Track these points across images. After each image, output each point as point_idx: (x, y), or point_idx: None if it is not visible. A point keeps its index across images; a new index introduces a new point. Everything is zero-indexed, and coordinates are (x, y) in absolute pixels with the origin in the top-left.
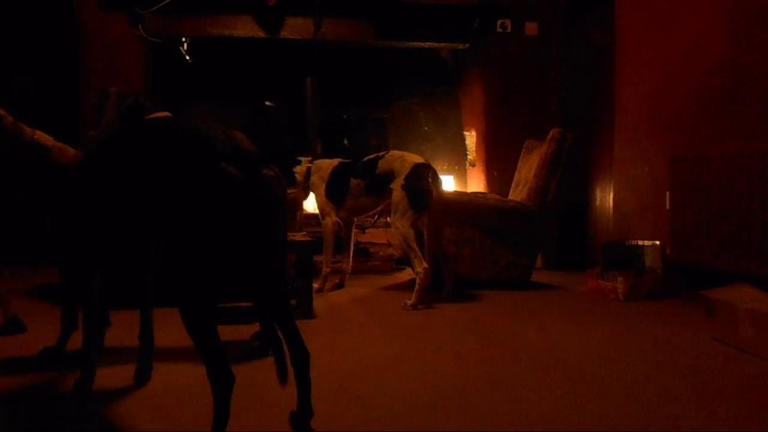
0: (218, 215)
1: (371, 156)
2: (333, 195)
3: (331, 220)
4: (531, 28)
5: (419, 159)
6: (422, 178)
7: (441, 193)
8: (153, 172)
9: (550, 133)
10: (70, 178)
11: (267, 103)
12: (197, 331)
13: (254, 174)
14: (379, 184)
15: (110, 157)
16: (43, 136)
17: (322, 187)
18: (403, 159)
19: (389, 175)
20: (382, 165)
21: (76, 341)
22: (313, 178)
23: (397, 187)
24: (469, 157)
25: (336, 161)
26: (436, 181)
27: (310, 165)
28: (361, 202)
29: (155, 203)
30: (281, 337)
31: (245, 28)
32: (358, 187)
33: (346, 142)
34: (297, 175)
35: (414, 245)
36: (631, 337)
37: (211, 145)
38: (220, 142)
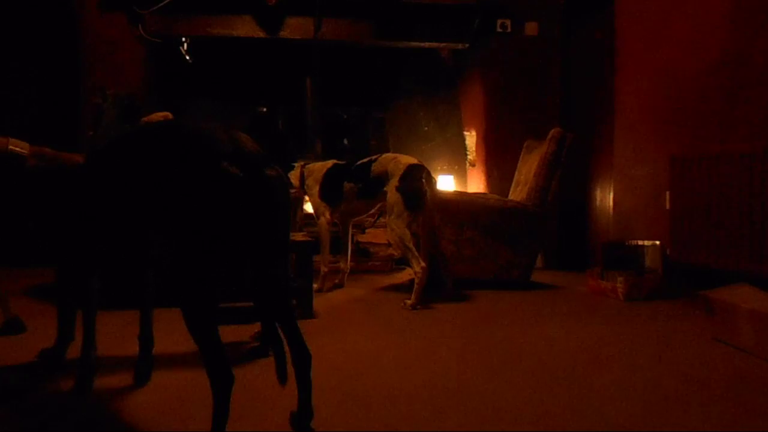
0: (221, 215)
1: (364, 160)
2: (327, 196)
3: (325, 219)
4: (531, 28)
5: (413, 160)
6: (416, 179)
7: (435, 193)
8: (156, 172)
9: (550, 133)
10: (50, 180)
11: (261, 109)
12: (199, 331)
13: (256, 174)
14: (373, 187)
15: (114, 159)
16: (18, 144)
17: (316, 189)
18: (396, 160)
19: (383, 178)
20: (376, 168)
21: (75, 342)
22: (308, 181)
23: (391, 189)
24: (469, 157)
25: (330, 163)
26: (430, 181)
27: (303, 169)
28: (356, 206)
29: (158, 204)
30: (282, 337)
31: (245, 28)
32: (352, 191)
33: (346, 142)
34: (293, 179)
35: (411, 245)
36: (631, 337)
37: (213, 145)
38: (222, 142)
